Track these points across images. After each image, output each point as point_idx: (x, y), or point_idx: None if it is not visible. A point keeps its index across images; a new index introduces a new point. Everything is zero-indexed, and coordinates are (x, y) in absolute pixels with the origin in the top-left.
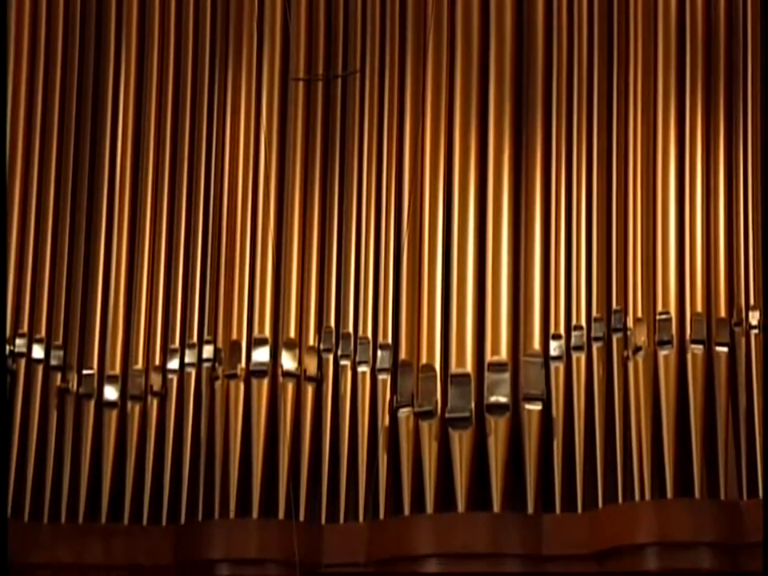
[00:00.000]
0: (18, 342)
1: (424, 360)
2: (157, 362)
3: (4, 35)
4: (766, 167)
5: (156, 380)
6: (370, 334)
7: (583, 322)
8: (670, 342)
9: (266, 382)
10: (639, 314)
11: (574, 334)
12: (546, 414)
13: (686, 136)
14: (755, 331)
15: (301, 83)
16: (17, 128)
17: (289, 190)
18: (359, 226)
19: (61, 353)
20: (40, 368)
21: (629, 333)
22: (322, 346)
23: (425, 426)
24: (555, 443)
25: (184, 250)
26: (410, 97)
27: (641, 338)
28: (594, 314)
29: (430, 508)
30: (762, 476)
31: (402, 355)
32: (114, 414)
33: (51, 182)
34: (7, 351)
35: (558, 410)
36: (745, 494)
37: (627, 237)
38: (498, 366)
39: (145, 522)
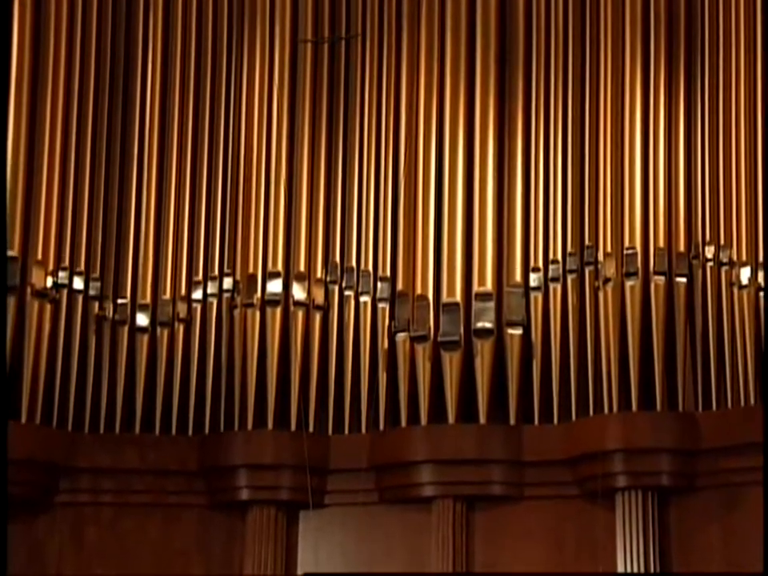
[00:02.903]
0: (61, 274)
1: (419, 290)
2: (183, 293)
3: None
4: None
5: (182, 308)
6: (370, 268)
7: (559, 257)
8: (635, 274)
9: (278, 310)
10: (608, 249)
11: (551, 267)
12: (526, 338)
13: (650, 90)
14: (710, 264)
15: (309, 44)
16: (58, 80)
17: (298, 140)
18: (361, 171)
19: (98, 284)
20: (80, 298)
21: (599, 266)
22: (328, 279)
23: (419, 348)
24: (534, 363)
25: (206, 195)
26: (406, 55)
27: (610, 270)
28: (569, 249)
29: (423, 420)
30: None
31: (399, 286)
32: (146, 338)
33: (88, 133)
34: (51, 283)
35: (536, 335)
36: (700, 406)
37: (598, 181)
38: (484, 296)
39: (173, 432)
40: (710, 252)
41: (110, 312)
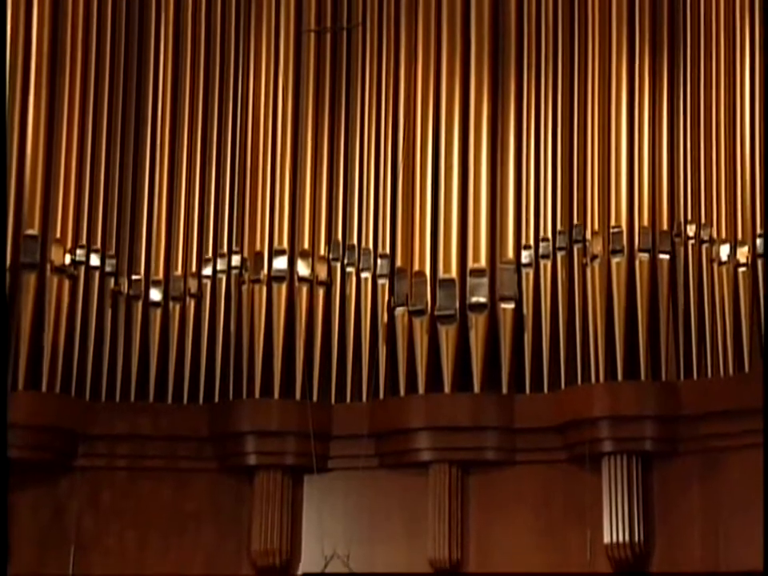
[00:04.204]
0: (79, 252)
1: (416, 267)
2: (193, 269)
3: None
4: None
5: (193, 284)
6: (371, 246)
7: (549, 235)
8: (621, 251)
9: (284, 285)
10: (596, 228)
11: (541, 244)
12: (518, 312)
13: (635, 77)
14: (692, 241)
15: (312, 34)
16: (75, 68)
17: (302, 125)
18: (362, 154)
19: (114, 261)
20: (97, 274)
21: (587, 243)
22: (331, 256)
23: (417, 322)
24: (525, 336)
25: (215, 177)
26: (404, 43)
27: (597, 247)
28: (559, 227)
29: (421, 389)
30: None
31: (398, 263)
32: (159, 312)
33: (104, 118)
34: (69, 260)
35: (528, 309)
36: (682, 376)
37: (586, 164)
38: (478, 272)
39: (185, 400)
40: (691, 230)
41: (124, 287)
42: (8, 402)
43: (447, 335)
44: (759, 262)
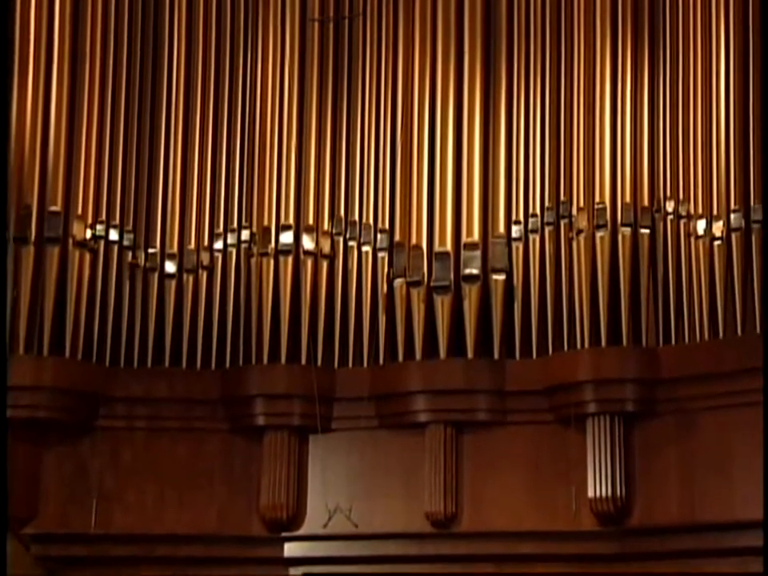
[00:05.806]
0: (99, 227)
1: (414, 241)
2: (206, 243)
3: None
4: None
5: (205, 257)
6: (371, 221)
7: (538, 211)
8: (605, 226)
9: (290, 259)
10: (581, 204)
11: (530, 220)
12: (508, 283)
13: (618, 61)
14: (671, 217)
15: (316, 23)
16: (95, 54)
17: (307, 107)
18: (363, 135)
19: (131, 236)
20: (115, 248)
21: (573, 219)
22: (334, 231)
23: (414, 292)
24: (516, 305)
25: (226, 157)
26: (402, 31)
27: (582, 222)
28: (547, 204)
29: (418, 355)
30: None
31: (397, 237)
32: (173, 283)
33: (122, 103)
34: (90, 235)
35: (518, 280)
36: (661, 341)
37: (572, 144)
38: (472, 246)
39: (198, 365)
40: (670, 206)
41: (141, 260)
42: (33, 367)
43: (442, 305)
44: (733, 236)
